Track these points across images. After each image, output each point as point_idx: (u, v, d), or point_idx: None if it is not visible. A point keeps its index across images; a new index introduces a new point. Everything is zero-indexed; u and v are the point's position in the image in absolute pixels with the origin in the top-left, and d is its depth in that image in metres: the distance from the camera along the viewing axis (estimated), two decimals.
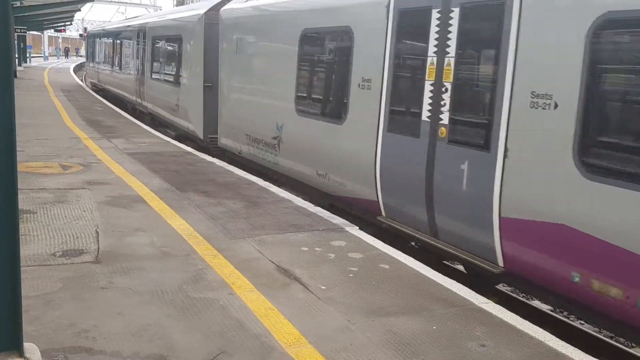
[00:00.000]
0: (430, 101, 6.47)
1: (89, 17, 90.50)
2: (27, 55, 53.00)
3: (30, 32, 58.37)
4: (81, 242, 6.07)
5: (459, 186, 6.10)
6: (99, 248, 5.91)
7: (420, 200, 6.67)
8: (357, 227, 7.12)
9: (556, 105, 5.12)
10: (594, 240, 4.83)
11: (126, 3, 75.62)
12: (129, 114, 19.16)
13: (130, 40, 21.29)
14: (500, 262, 5.79)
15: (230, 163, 11.35)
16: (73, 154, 11.04)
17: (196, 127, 13.74)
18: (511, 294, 7.94)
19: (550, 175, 5.18)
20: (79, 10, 40.89)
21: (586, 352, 4.31)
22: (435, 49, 6.41)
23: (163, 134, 14.83)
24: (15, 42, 37.51)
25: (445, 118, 6.31)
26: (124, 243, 6.09)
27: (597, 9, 4.81)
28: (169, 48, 16.17)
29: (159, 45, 17.40)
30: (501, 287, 7.82)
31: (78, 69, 51.32)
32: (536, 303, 7.67)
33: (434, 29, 6.44)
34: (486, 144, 5.81)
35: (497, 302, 5.19)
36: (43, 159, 10.33)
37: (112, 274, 5.24)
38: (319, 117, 8.75)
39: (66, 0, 29.48)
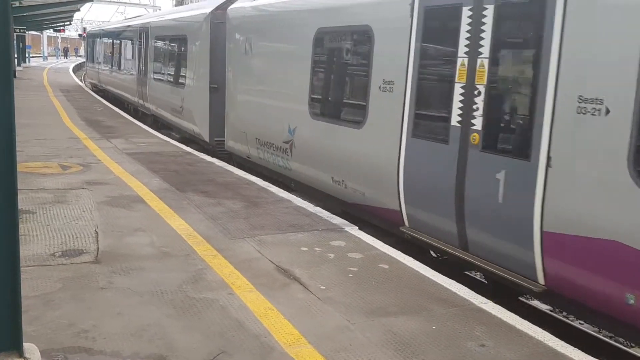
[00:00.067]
0: (461, 105, 6.03)
1: (88, 17, 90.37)
2: (26, 56, 52.97)
3: (30, 32, 58.35)
4: (81, 242, 6.07)
5: (494, 197, 5.64)
6: (98, 248, 5.91)
7: (449, 210, 6.23)
8: (357, 227, 7.12)
9: (608, 111, 4.69)
10: None
11: (125, 3, 75.59)
12: (130, 115, 19.00)
13: (132, 40, 20.95)
14: (541, 280, 5.36)
15: (237, 166, 11.05)
16: (72, 154, 11.04)
17: (202, 129, 13.41)
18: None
19: (601, 187, 4.76)
20: (78, 10, 40.91)
21: (585, 352, 4.32)
22: (467, 50, 5.98)
23: (168, 136, 14.57)
24: (14, 42, 37.49)
25: (478, 123, 5.85)
26: (123, 243, 6.09)
27: None
28: (173, 48, 15.82)
29: (162, 45, 17.08)
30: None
31: (77, 69, 51.30)
32: (535, 303, 7.67)
33: (464, 27, 6.00)
34: (526, 152, 5.35)
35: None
36: (42, 159, 10.33)
37: (111, 274, 5.24)
38: (335, 120, 8.32)
39: (65, 0, 29.48)
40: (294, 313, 4.65)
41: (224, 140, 12.40)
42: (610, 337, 7.00)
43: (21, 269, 3.43)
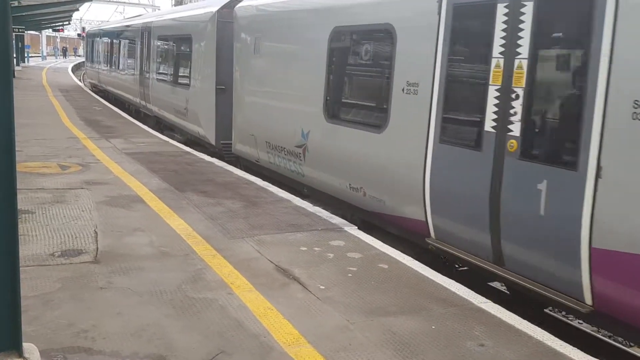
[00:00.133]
0: (496, 109, 5.59)
1: (87, 17, 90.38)
2: (25, 55, 52.94)
3: (28, 31, 58.32)
4: (80, 242, 6.06)
5: (535, 209, 5.21)
6: (97, 248, 5.90)
7: (482, 222, 5.79)
8: (356, 227, 7.12)
9: None
10: None
11: (124, 3, 75.56)
12: (131, 115, 18.77)
13: (134, 39, 20.55)
14: (589, 301, 4.93)
15: (245, 170, 10.75)
16: (71, 154, 11.03)
17: (207, 132, 13.01)
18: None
19: None
20: (77, 10, 40.85)
21: (585, 352, 4.32)
22: (502, 50, 5.55)
23: (172, 139, 14.35)
24: (13, 41, 37.46)
25: (515, 129, 5.40)
26: (122, 243, 6.09)
27: None
28: (177, 48, 15.43)
29: (166, 45, 16.68)
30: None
31: (76, 68, 51.27)
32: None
33: (499, 26, 5.57)
34: (572, 162, 4.91)
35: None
36: (41, 159, 10.32)
37: (111, 274, 5.24)
38: (353, 124, 7.85)
39: (64, 0, 29.44)
40: (293, 313, 4.65)
41: (230, 143, 12.03)
42: (610, 337, 7.01)
43: (20, 269, 3.43)
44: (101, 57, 28.37)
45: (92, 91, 28.24)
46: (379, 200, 7.31)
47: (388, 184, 7.15)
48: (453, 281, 5.53)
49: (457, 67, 6.22)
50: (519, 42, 5.40)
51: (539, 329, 4.64)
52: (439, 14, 6.30)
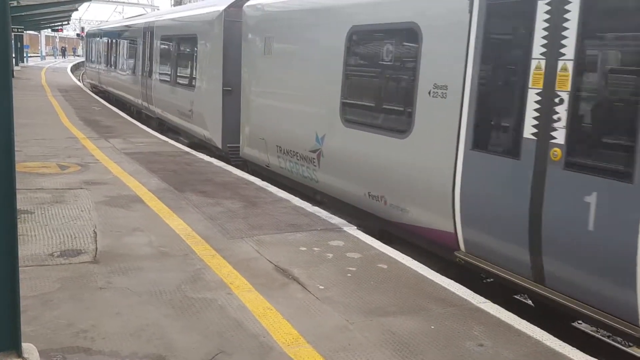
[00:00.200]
0: (537, 114, 5.21)
1: (86, 17, 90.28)
2: (24, 55, 52.93)
3: (27, 31, 58.28)
4: (79, 242, 6.06)
5: (583, 224, 4.81)
6: (97, 248, 5.90)
7: (520, 237, 5.39)
8: (355, 227, 7.12)
9: None
10: None
11: (123, 3, 75.53)
12: (132, 117, 18.59)
13: (136, 39, 20.16)
14: None
15: (252, 174, 10.36)
16: (71, 154, 11.03)
17: (213, 134, 12.62)
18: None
19: None
20: (76, 10, 40.88)
21: (584, 352, 4.33)
22: (544, 50, 5.15)
23: (177, 141, 14.13)
24: (12, 41, 37.39)
25: (560, 136, 5.00)
26: (122, 243, 6.09)
27: None
28: (182, 48, 15.07)
29: (169, 45, 16.17)
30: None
31: (75, 68, 51.25)
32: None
33: (540, 24, 5.17)
34: (627, 173, 4.51)
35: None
36: (41, 159, 10.32)
37: (110, 274, 5.24)
38: (373, 128, 7.44)
39: (63, 0, 29.42)
40: (293, 313, 4.65)
41: (238, 147, 11.63)
42: (608, 337, 7.01)
43: (20, 269, 3.43)
44: (102, 57, 27.97)
45: (92, 92, 28.19)
46: (402, 209, 6.93)
47: (412, 192, 6.74)
48: (452, 281, 5.53)
49: (491, 69, 5.86)
50: (563, 41, 5.00)
51: (538, 328, 4.64)
52: (470, 12, 5.94)
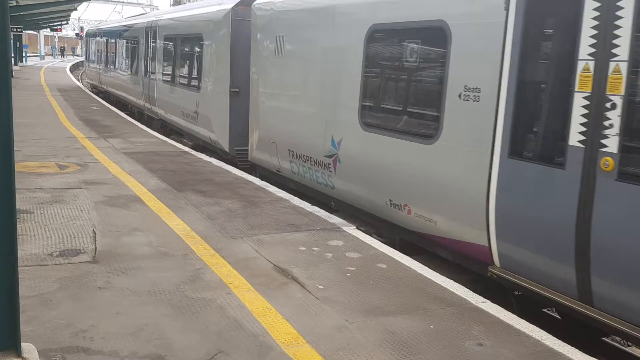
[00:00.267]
0: (584, 120, 4.79)
1: (85, 17, 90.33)
2: (23, 55, 52.92)
3: (26, 31, 58.27)
4: (78, 242, 6.06)
5: (638, 241, 4.43)
6: (96, 248, 5.90)
7: (565, 253, 4.98)
8: (355, 227, 7.12)
9: None
10: None
11: (123, 2, 75.50)
12: (134, 118, 18.40)
13: (138, 39, 19.79)
14: None
15: (261, 179, 10.04)
16: (70, 153, 11.03)
17: (220, 137, 12.21)
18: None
19: None
20: (75, 9, 40.82)
21: (583, 351, 4.33)
22: (592, 50, 4.73)
23: (181, 143, 13.94)
24: (11, 41, 37.39)
25: (612, 145, 4.58)
26: (121, 243, 6.09)
27: None
28: (187, 48, 14.67)
29: (173, 45, 15.77)
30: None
31: (74, 68, 51.24)
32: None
33: (588, 22, 4.75)
34: None
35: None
36: (40, 159, 10.32)
37: (109, 274, 5.24)
38: (395, 133, 7.01)
39: (62, 0, 29.41)
40: (292, 312, 4.66)
41: (246, 150, 11.28)
42: (607, 337, 7.01)
43: (19, 269, 3.43)
44: (102, 57, 27.57)
45: (92, 92, 28.15)
46: (428, 220, 6.50)
47: (440, 202, 6.34)
48: (451, 281, 5.54)
49: (531, 70, 5.43)
50: (615, 41, 4.57)
51: (537, 328, 4.65)
52: (507, 9, 5.50)
